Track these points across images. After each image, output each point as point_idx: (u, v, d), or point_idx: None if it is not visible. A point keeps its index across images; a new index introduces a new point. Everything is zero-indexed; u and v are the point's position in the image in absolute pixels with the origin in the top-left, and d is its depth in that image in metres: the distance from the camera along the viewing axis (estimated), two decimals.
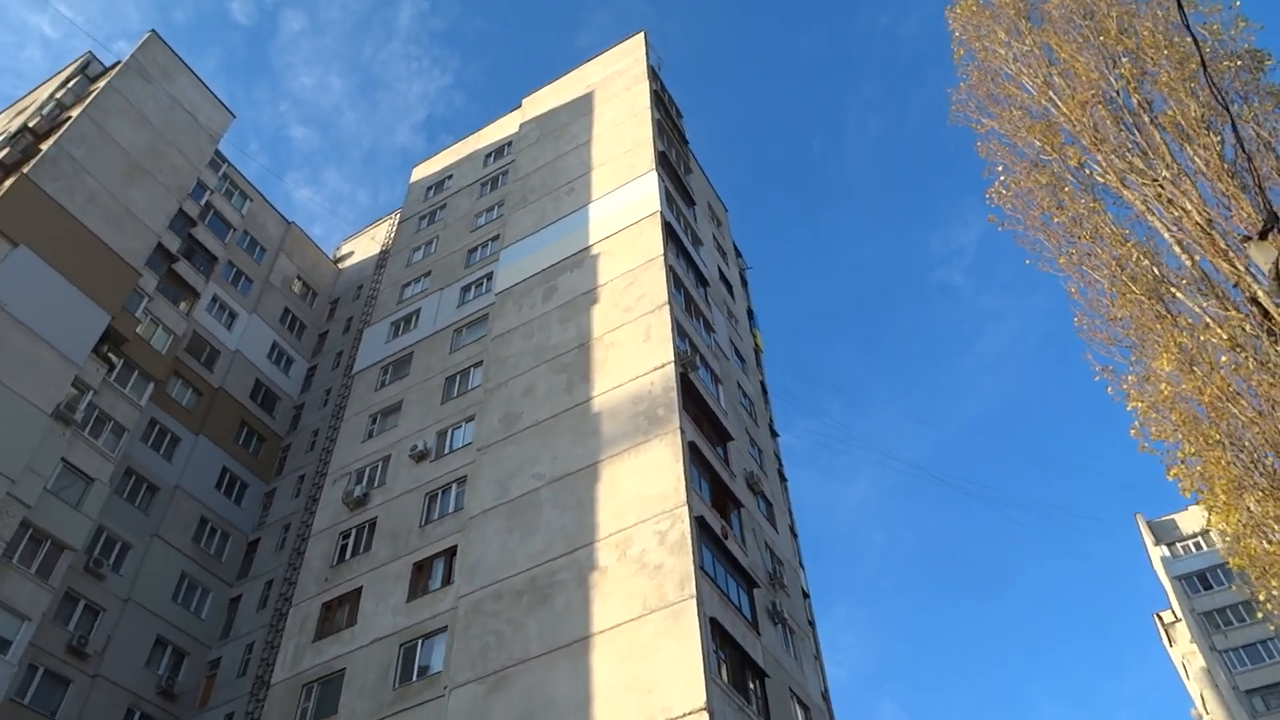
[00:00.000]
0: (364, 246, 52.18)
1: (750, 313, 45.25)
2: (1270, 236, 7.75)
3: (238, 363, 41.22)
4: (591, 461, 26.60)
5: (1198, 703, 62.06)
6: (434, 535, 28.43)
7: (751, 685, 22.98)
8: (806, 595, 33.79)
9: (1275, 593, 10.87)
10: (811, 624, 33.29)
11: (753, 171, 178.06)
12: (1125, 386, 11.82)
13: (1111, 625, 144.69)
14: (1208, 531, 57.90)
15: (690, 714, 19.68)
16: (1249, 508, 10.04)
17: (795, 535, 36.52)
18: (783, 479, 37.93)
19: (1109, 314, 12.43)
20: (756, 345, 43.31)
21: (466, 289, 37.88)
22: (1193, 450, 10.52)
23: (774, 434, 39.74)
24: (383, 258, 47.05)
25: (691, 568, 22.31)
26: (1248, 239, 8.90)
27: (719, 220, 46.01)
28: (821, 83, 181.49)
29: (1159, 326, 11.54)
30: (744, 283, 47.08)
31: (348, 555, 30.05)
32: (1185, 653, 61.04)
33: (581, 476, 26.43)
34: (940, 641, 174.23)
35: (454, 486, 29.54)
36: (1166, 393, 10.97)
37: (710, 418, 28.58)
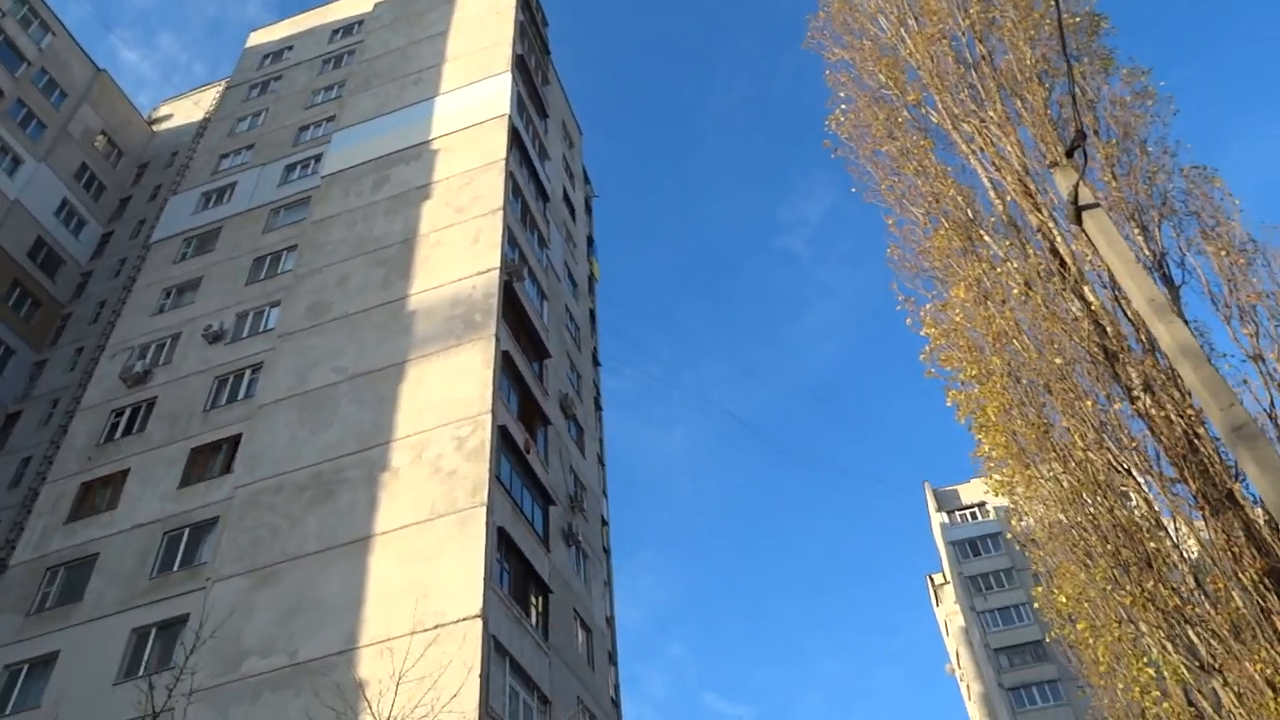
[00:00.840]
0: (185, 111, 47.61)
1: (590, 240, 44.52)
2: (1074, 157, 7.65)
3: (16, 214, 36.80)
4: (399, 360, 25.31)
5: (953, 659, 67.67)
6: (218, 421, 26.41)
7: (534, 599, 22.68)
8: (605, 523, 33.88)
9: (1023, 507, 11.34)
10: (606, 551, 33.45)
11: (616, 109, 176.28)
12: (922, 315, 11.93)
13: (891, 585, 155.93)
14: (984, 503, 62.60)
15: (464, 620, 19.14)
16: (1014, 430, 10.31)
17: (603, 464, 36.49)
18: (598, 408, 37.73)
19: (920, 247, 12.50)
20: (592, 273, 42.69)
21: (291, 168, 35.15)
22: (973, 374, 10.71)
23: (596, 363, 39.42)
24: (205, 126, 43.08)
25: (486, 475, 21.61)
26: (1054, 164, 8.89)
27: (571, 141, 44.78)
28: (698, 32, 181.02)
29: (963, 262, 11.64)
30: (589, 209, 46.21)
31: (118, 434, 27.52)
32: (949, 613, 66.22)
33: (386, 374, 25.11)
34: (733, 592, 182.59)
35: (248, 373, 27.50)
36: (958, 320, 11.11)
37: (530, 331, 27.76)
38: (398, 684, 16.34)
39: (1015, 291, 10.57)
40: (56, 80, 41.05)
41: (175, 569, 23.01)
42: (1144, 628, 9.48)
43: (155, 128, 47.55)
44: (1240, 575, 8.40)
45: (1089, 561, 9.83)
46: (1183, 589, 9.07)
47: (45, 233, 38.13)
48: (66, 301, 38.11)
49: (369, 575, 20.74)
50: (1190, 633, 9.06)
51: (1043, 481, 10.27)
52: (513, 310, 26.84)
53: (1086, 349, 10.24)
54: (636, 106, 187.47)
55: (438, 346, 25.18)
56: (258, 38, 45.94)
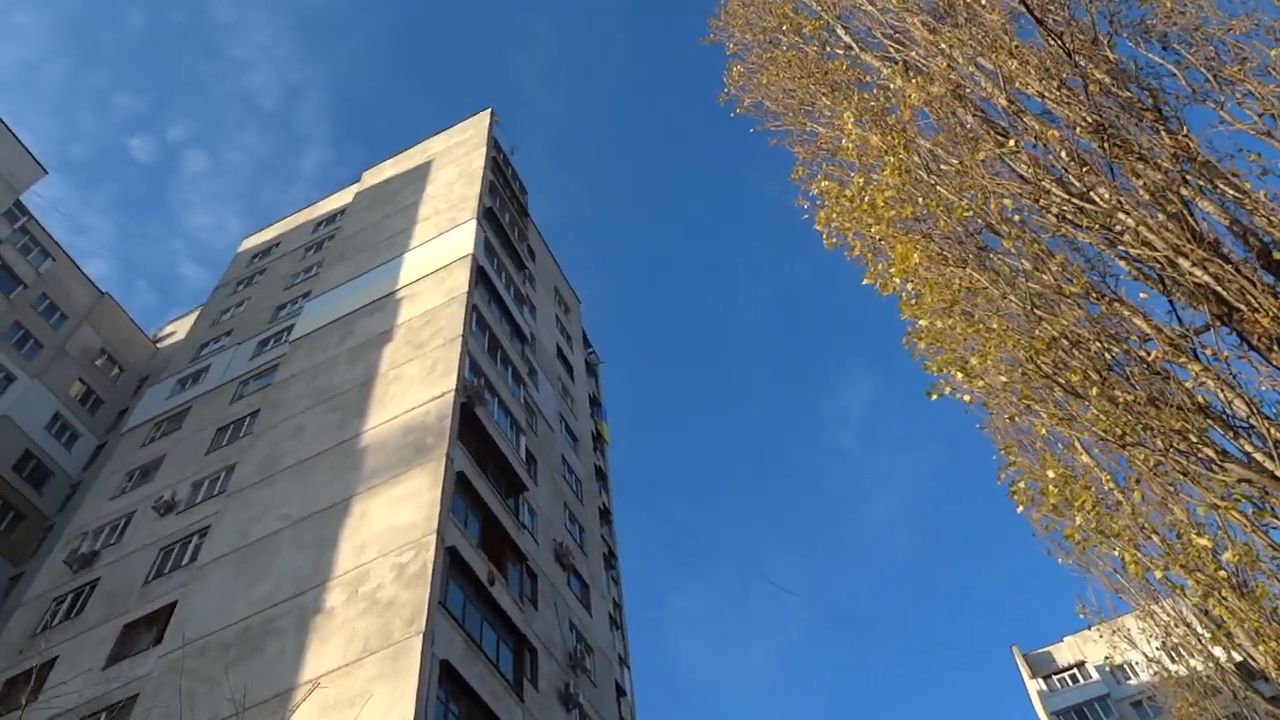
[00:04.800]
0: (189, 326, 48.01)
1: (595, 401, 42.47)
2: None
3: (4, 428, 36.06)
4: (345, 497, 22.66)
5: None
6: (156, 592, 23.60)
7: None
8: (624, 694, 29.30)
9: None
10: None
11: (649, 329, 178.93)
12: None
13: None
14: (1084, 663, 55.04)
15: None
16: None
17: (619, 629, 32.31)
18: (610, 567, 34.04)
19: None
20: (598, 432, 40.26)
21: (264, 341, 34.19)
22: None
23: (606, 521, 36.13)
24: None
25: (426, 601, 18.29)
26: None
27: (567, 306, 43.83)
28: (713, 244, 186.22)
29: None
30: (591, 373, 44.52)
31: (55, 622, 24.75)
32: None
33: (330, 513, 22.39)
34: None
35: (194, 539, 24.95)
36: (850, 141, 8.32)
37: (498, 459, 25.03)
38: None
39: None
40: (56, 303, 41.64)
41: None
42: None
43: (160, 344, 47.83)
44: None
45: None
46: None
47: (34, 445, 37.22)
48: (53, 513, 36.52)
49: None
50: None
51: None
52: (474, 434, 24.31)
53: None
54: (666, 324, 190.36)
55: (386, 476, 22.58)
56: (249, 242, 46.88)
